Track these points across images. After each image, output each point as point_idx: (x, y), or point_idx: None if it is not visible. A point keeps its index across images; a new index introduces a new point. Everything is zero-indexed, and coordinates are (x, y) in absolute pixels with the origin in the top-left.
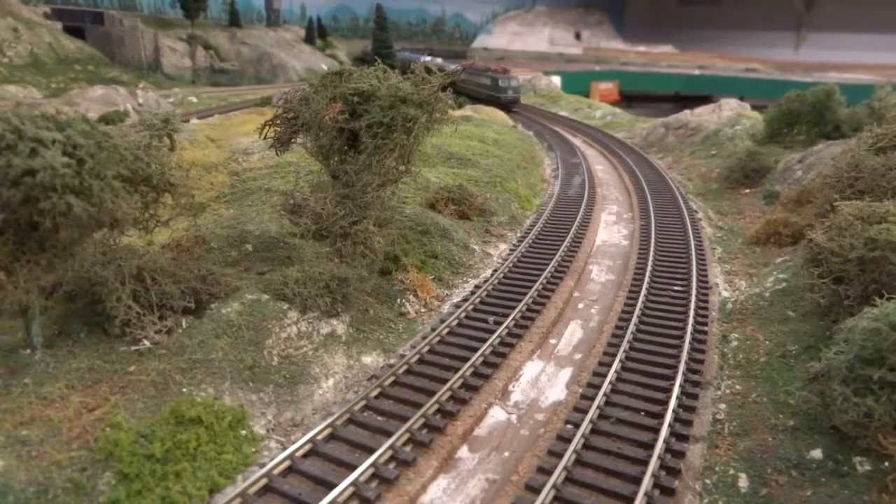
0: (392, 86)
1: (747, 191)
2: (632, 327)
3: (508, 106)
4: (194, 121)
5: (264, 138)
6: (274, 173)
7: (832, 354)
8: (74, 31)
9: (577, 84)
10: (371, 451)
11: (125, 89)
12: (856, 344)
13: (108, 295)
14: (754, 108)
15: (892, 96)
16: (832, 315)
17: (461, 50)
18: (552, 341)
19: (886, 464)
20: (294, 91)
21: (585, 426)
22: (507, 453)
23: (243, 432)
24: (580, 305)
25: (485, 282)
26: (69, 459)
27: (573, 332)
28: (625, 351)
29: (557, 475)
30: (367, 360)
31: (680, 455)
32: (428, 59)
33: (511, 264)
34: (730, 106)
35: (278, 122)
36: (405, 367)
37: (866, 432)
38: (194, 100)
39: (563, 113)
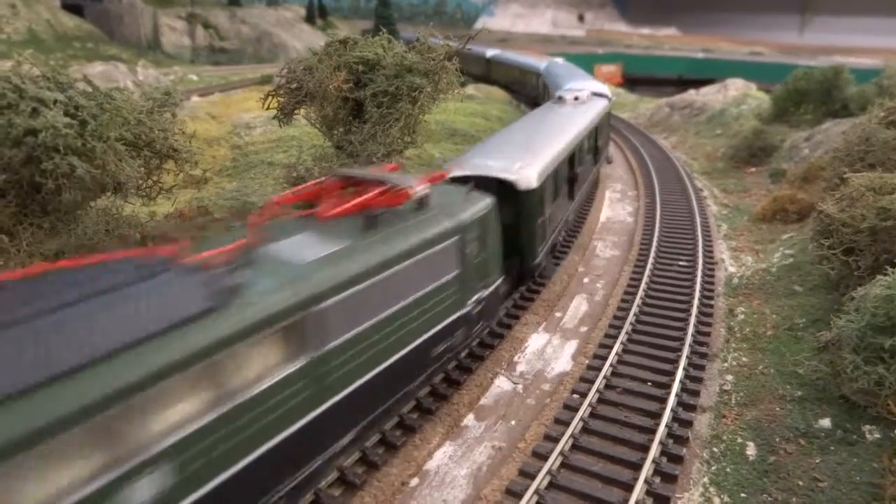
0: (398, 54)
1: (753, 169)
2: (637, 301)
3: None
4: (195, 98)
5: (267, 109)
6: (276, 147)
7: (843, 323)
8: (73, 9)
9: (580, 67)
10: None
11: (125, 66)
12: (867, 312)
13: None
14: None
15: None
16: (840, 288)
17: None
18: (558, 314)
19: None
20: (298, 61)
21: (592, 395)
22: (513, 422)
23: None
24: (585, 280)
25: None
26: None
27: (579, 306)
28: (631, 324)
29: (565, 442)
30: None
31: (687, 424)
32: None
33: None
34: (735, 86)
35: (282, 92)
36: None
37: (876, 400)
38: (194, 78)
39: None
